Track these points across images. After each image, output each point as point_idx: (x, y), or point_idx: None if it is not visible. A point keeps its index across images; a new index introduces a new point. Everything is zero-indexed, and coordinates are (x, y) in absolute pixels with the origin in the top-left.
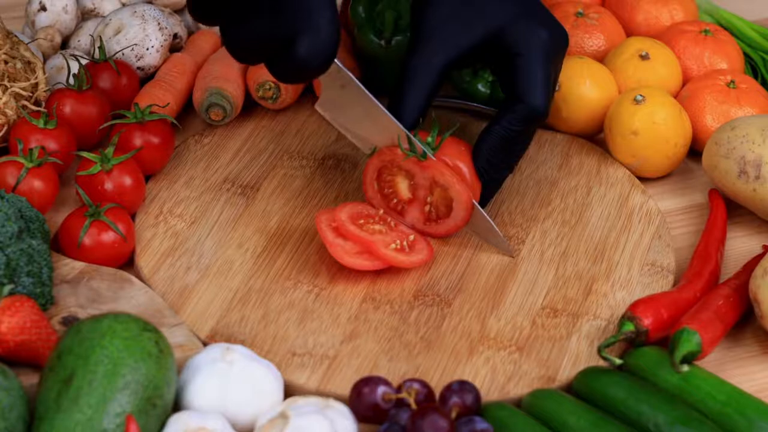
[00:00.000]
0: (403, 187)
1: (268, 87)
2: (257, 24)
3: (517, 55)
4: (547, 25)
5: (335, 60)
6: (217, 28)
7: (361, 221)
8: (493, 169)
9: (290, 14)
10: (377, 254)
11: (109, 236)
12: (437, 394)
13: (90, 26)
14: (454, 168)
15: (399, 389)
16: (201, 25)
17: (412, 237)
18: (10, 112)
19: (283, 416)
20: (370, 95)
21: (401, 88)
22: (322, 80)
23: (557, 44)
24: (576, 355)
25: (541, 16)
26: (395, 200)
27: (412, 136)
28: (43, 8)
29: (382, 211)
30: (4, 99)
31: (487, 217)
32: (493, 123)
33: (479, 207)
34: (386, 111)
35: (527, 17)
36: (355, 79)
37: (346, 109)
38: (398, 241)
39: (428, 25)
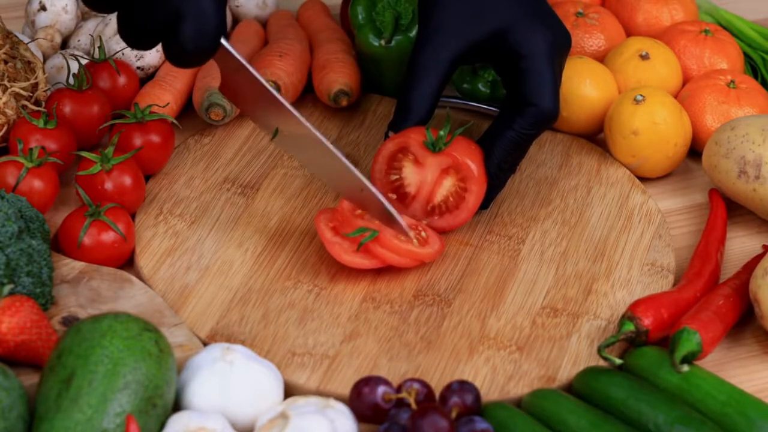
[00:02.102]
0: (410, 174)
1: None
2: (144, 9)
3: (522, 57)
4: (551, 26)
5: (225, 43)
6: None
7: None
8: (502, 171)
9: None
10: (388, 245)
11: (109, 236)
12: (437, 394)
13: (90, 26)
14: (463, 165)
15: (399, 389)
16: None
17: (423, 233)
18: (10, 112)
19: (283, 416)
20: (260, 77)
21: (410, 83)
22: (218, 64)
23: (561, 45)
24: (576, 355)
25: (546, 17)
26: (401, 188)
27: (304, 121)
28: (43, 8)
29: (393, 196)
30: (4, 99)
31: (380, 196)
32: (506, 128)
33: (373, 188)
34: (273, 91)
35: (532, 17)
36: (246, 63)
37: (242, 92)
38: (412, 232)
39: (436, 20)
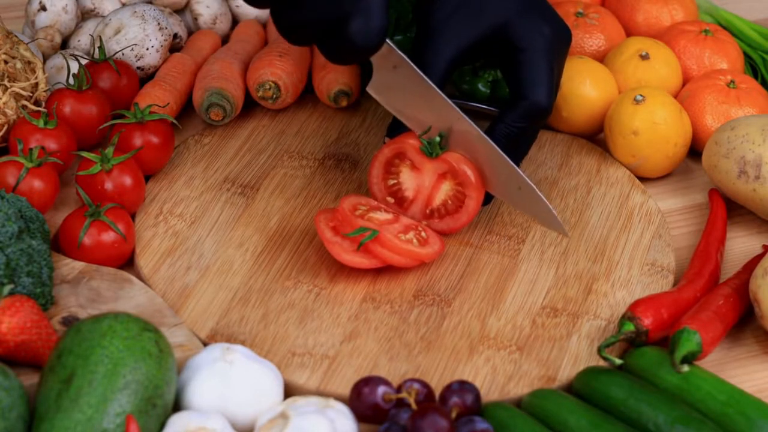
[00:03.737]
0: (407, 179)
1: (268, 87)
2: (310, 5)
3: (521, 51)
4: (550, 21)
5: (387, 40)
6: (217, 29)
7: (363, 209)
8: None
9: None
10: (388, 244)
11: (109, 236)
12: (437, 394)
13: (90, 26)
14: (459, 171)
15: (399, 389)
16: (201, 25)
17: (423, 233)
18: (10, 112)
19: (283, 416)
20: (423, 75)
21: None
22: (374, 61)
23: (560, 40)
24: (576, 355)
25: (545, 12)
26: (398, 193)
27: (466, 117)
28: (43, 8)
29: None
30: (4, 99)
31: (540, 195)
32: (498, 121)
33: (533, 185)
34: (439, 91)
35: (531, 13)
36: (408, 60)
37: (398, 91)
38: (412, 232)
39: (434, 20)
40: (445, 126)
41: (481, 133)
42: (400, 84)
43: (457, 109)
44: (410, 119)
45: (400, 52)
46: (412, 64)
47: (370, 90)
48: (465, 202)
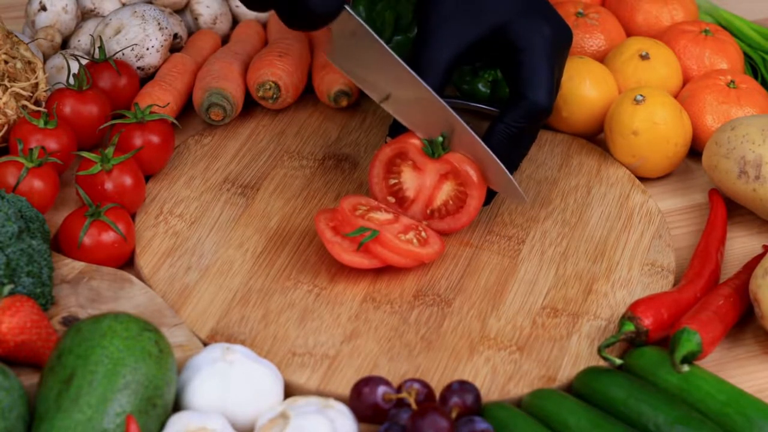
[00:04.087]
0: (409, 179)
1: (268, 87)
2: None
3: (520, 51)
4: (550, 21)
5: (345, 6)
6: (217, 29)
7: (363, 209)
8: None
9: None
10: (388, 244)
11: (109, 236)
12: (437, 394)
13: (90, 26)
14: (462, 172)
15: (399, 389)
16: (201, 25)
17: (423, 233)
18: (10, 112)
19: (283, 416)
20: (381, 41)
21: None
22: (333, 28)
23: (560, 40)
24: (576, 355)
25: (545, 12)
26: (399, 192)
27: (422, 82)
28: (43, 8)
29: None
30: (4, 99)
31: (501, 165)
32: (498, 121)
33: (490, 152)
34: (395, 56)
35: (531, 13)
36: (365, 25)
37: (357, 57)
38: (412, 232)
39: (434, 20)
40: (404, 93)
41: (435, 95)
42: (358, 50)
43: (412, 72)
44: (368, 85)
45: (357, 17)
46: (370, 30)
47: (329, 57)
48: (466, 202)
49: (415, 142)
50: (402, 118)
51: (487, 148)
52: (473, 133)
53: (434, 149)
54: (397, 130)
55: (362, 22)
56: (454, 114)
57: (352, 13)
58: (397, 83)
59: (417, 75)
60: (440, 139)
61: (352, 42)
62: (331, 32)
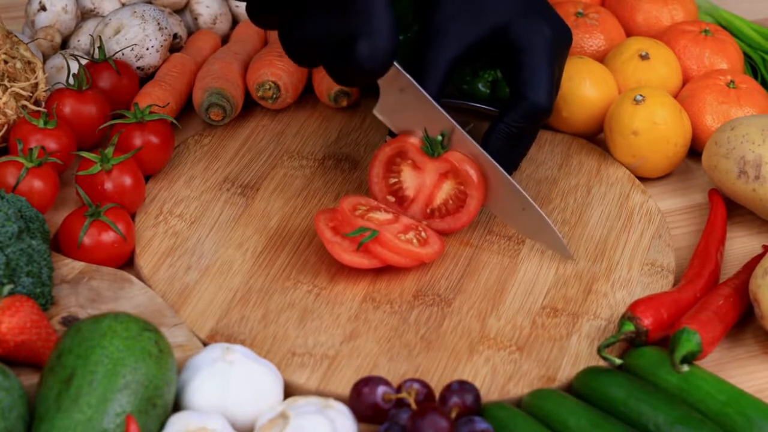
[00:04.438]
0: (408, 178)
1: (268, 87)
2: (317, 24)
3: (521, 52)
4: (550, 22)
5: (394, 63)
6: (217, 29)
7: (362, 209)
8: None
9: (351, 16)
10: (388, 244)
11: (109, 236)
12: (437, 394)
13: (90, 26)
14: (461, 171)
15: (399, 389)
16: (201, 25)
17: (423, 233)
18: (10, 112)
19: (283, 416)
20: (430, 98)
21: None
22: (381, 84)
23: (560, 41)
24: (576, 355)
25: (545, 13)
26: (399, 192)
27: (471, 139)
28: (43, 8)
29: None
30: (4, 99)
31: (543, 214)
32: (497, 121)
33: (534, 203)
34: (444, 113)
35: (531, 13)
36: (414, 82)
37: (404, 113)
38: (412, 232)
39: (435, 21)
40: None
41: (486, 154)
42: (406, 106)
43: (464, 131)
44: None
45: (406, 74)
46: (419, 86)
47: (377, 113)
48: (466, 201)
49: (415, 141)
50: None
51: (539, 210)
52: (512, 180)
53: (434, 148)
54: None
55: (411, 78)
56: (499, 168)
57: (402, 69)
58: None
59: (417, 77)
60: (439, 138)
61: (401, 98)
62: (379, 87)
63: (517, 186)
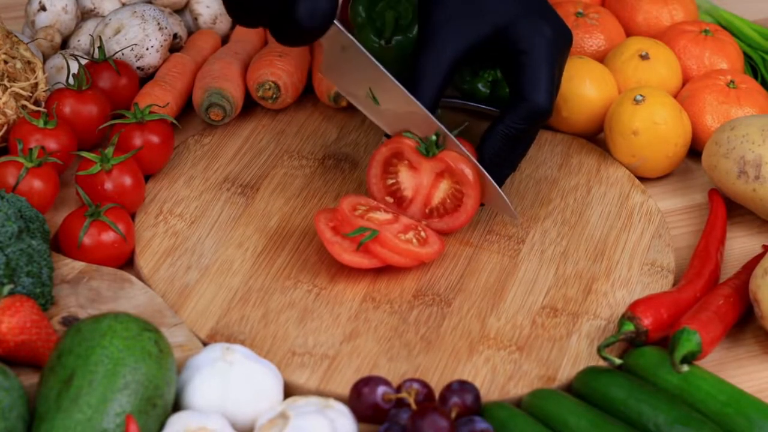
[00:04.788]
0: (406, 178)
1: (268, 87)
2: None
3: (521, 53)
4: (550, 23)
5: (335, 21)
6: (217, 29)
7: (362, 209)
8: (497, 168)
9: None
10: (388, 244)
11: (109, 236)
12: (437, 394)
13: (90, 26)
14: (457, 170)
15: (399, 389)
16: (201, 25)
17: (423, 233)
18: (10, 112)
19: (283, 416)
20: (371, 56)
21: (412, 84)
22: (323, 43)
23: (561, 42)
24: (576, 355)
25: (546, 14)
26: (397, 192)
27: (413, 98)
28: (43, 8)
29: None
30: (4, 99)
31: (492, 182)
32: (497, 122)
33: (480, 167)
34: (386, 72)
35: (531, 15)
36: (356, 41)
37: (348, 72)
38: (412, 232)
39: (435, 22)
40: (393, 107)
41: (428, 114)
42: (349, 65)
43: (404, 89)
44: (360, 101)
45: (347, 33)
46: (359, 45)
47: (321, 72)
48: (463, 200)
49: (410, 141)
50: (392, 132)
51: (477, 164)
52: (463, 148)
53: (428, 148)
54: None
55: (352, 37)
56: (444, 128)
57: (342, 28)
58: (386, 97)
59: (418, 78)
60: (434, 137)
61: (342, 57)
62: (322, 47)
63: (457, 142)
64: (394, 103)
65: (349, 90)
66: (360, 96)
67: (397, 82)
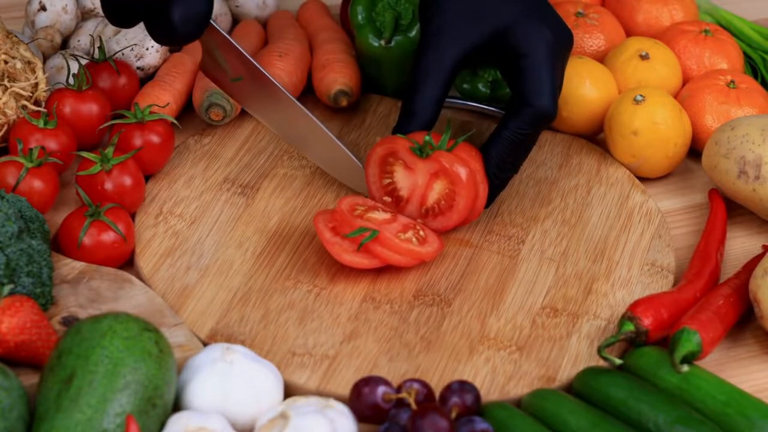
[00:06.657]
0: (402, 178)
1: None
2: None
3: (523, 56)
4: (552, 25)
5: (211, 21)
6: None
7: (361, 209)
8: (502, 172)
9: None
10: (388, 244)
11: (109, 236)
12: (437, 394)
13: (90, 26)
14: (450, 171)
15: (399, 389)
16: None
17: (421, 232)
18: (10, 112)
19: (283, 416)
20: (245, 53)
21: (413, 87)
22: (201, 42)
23: (562, 44)
24: (576, 355)
25: (547, 16)
26: (394, 192)
27: (285, 91)
28: (43, 8)
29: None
30: (4, 99)
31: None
32: (502, 128)
33: (328, 131)
34: (261, 68)
35: (533, 17)
36: (231, 38)
37: (224, 68)
38: (411, 231)
39: (437, 23)
40: (268, 101)
41: (296, 101)
42: (224, 62)
43: (277, 83)
44: (238, 97)
45: (224, 32)
46: (235, 42)
47: (202, 69)
48: (455, 201)
49: (404, 141)
50: (266, 121)
51: (339, 142)
52: (324, 127)
53: (422, 148)
54: (401, 129)
55: (228, 36)
56: (309, 114)
57: (218, 27)
58: (263, 93)
59: (419, 79)
60: (427, 138)
61: (219, 54)
62: (201, 45)
63: (321, 125)
64: (268, 98)
65: (225, 87)
66: (234, 91)
67: (271, 77)
